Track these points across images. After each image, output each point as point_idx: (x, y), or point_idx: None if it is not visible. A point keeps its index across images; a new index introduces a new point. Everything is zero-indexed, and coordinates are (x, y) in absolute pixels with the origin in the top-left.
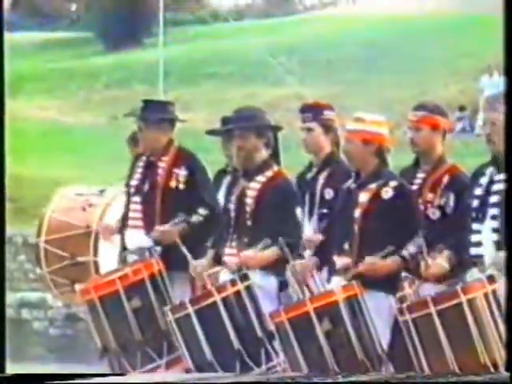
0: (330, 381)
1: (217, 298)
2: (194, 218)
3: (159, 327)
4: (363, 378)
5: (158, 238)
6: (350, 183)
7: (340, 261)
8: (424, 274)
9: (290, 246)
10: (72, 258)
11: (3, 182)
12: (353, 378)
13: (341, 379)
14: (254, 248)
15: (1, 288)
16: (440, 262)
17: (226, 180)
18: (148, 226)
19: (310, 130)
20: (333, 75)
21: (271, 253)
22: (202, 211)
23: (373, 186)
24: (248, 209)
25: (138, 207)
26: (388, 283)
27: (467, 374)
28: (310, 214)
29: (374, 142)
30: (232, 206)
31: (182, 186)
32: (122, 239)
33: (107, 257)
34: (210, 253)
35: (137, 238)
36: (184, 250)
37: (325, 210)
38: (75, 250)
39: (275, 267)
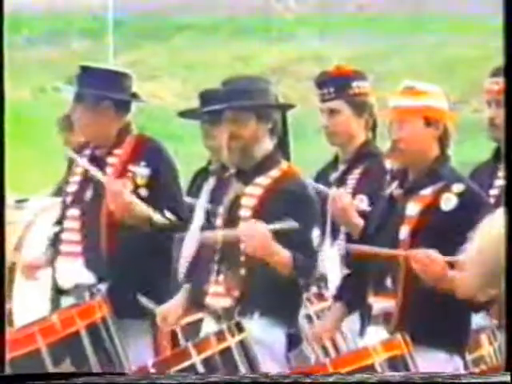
0: (330, 380)
1: (196, 359)
2: (159, 218)
3: None
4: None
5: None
6: (394, 187)
7: (379, 303)
8: None
9: (303, 282)
10: None
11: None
12: (351, 379)
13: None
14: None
15: (0, 292)
16: None
17: (209, 183)
18: (89, 253)
19: (334, 111)
20: (364, 28)
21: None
22: (163, 215)
23: (428, 191)
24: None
25: (76, 224)
26: (452, 336)
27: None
28: (335, 233)
29: (439, 122)
30: (220, 222)
31: (140, 192)
32: (53, 273)
33: (27, 303)
34: (185, 290)
35: (73, 270)
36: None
37: None
38: None
39: (283, 313)
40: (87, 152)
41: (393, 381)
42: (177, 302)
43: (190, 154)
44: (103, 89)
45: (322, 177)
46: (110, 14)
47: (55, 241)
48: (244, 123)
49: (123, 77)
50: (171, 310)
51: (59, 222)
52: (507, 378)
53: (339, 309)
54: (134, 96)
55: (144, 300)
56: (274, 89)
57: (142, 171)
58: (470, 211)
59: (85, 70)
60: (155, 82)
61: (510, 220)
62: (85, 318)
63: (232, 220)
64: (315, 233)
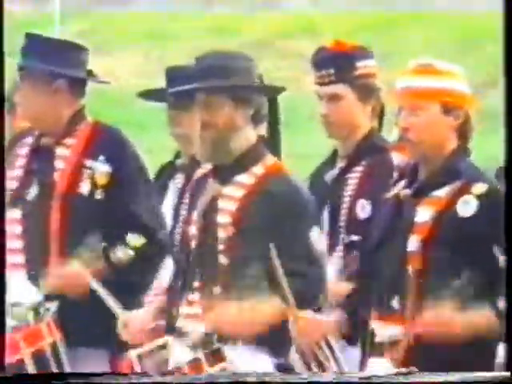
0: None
1: None
2: (120, 253)
3: None
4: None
5: (52, 287)
6: (401, 188)
7: (383, 329)
8: None
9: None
10: None
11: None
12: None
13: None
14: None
15: (1, 289)
16: None
17: (177, 182)
18: (34, 265)
19: (335, 97)
20: None
21: (269, 310)
22: (134, 239)
23: (442, 192)
24: (222, 234)
25: (17, 229)
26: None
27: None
28: (332, 244)
29: (460, 109)
30: (193, 230)
31: (99, 194)
32: None
33: None
34: (155, 303)
35: (14, 285)
36: (102, 292)
37: (355, 238)
38: None
39: (272, 339)
40: (29, 140)
41: (391, 380)
42: (144, 311)
43: (153, 146)
44: (56, 64)
45: (316, 177)
46: None
47: None
48: (218, 108)
49: (78, 50)
50: (135, 317)
51: None
52: (507, 377)
53: (339, 316)
54: (91, 74)
55: (96, 285)
56: (257, 69)
57: (100, 167)
58: (494, 217)
59: (32, 39)
60: (110, 57)
61: (509, 216)
62: (31, 344)
63: (208, 228)
64: (314, 233)
